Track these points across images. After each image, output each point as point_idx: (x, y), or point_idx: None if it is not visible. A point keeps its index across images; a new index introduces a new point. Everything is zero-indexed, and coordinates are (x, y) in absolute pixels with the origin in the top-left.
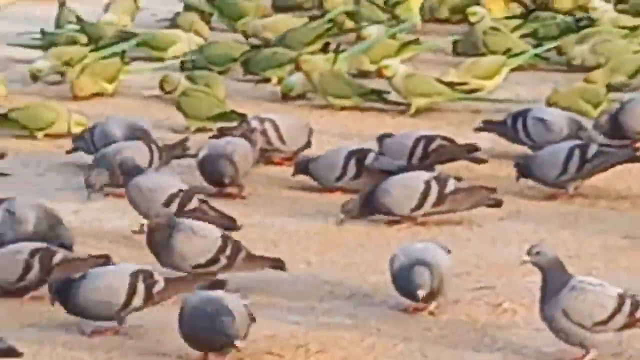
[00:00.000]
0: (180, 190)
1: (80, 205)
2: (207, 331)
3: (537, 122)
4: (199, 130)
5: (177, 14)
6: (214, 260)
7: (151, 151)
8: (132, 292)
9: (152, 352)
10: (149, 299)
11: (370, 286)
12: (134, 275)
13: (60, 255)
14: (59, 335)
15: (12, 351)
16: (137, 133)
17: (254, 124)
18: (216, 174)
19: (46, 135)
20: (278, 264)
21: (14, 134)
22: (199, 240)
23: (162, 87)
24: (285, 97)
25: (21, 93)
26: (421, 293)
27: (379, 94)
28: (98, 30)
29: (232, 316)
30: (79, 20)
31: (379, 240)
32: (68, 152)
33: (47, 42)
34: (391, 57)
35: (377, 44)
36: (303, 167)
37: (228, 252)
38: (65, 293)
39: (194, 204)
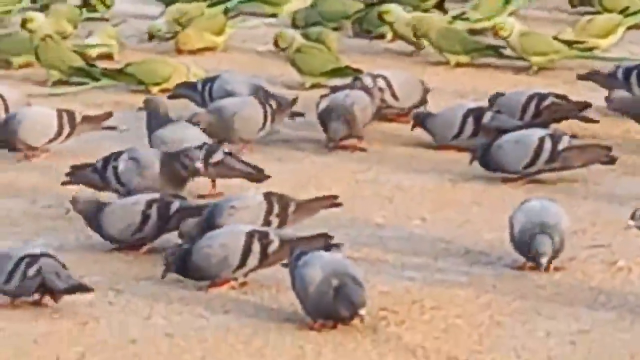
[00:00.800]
0: (205, 143)
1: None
2: (332, 302)
3: None
4: (314, 86)
5: None
6: (267, 223)
7: (265, 109)
8: (247, 252)
9: (268, 308)
10: (264, 259)
11: (485, 243)
12: (249, 235)
13: (176, 204)
14: (175, 290)
15: (83, 288)
16: (255, 90)
17: (367, 81)
18: (330, 136)
19: (161, 90)
20: (334, 202)
21: (129, 88)
22: (242, 212)
23: (276, 44)
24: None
25: (134, 49)
26: (544, 261)
27: (495, 49)
28: None
29: (361, 285)
30: None
31: (494, 197)
32: (169, 98)
33: None
34: (499, 13)
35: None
36: (420, 121)
37: (277, 210)
38: (180, 260)
39: (218, 156)
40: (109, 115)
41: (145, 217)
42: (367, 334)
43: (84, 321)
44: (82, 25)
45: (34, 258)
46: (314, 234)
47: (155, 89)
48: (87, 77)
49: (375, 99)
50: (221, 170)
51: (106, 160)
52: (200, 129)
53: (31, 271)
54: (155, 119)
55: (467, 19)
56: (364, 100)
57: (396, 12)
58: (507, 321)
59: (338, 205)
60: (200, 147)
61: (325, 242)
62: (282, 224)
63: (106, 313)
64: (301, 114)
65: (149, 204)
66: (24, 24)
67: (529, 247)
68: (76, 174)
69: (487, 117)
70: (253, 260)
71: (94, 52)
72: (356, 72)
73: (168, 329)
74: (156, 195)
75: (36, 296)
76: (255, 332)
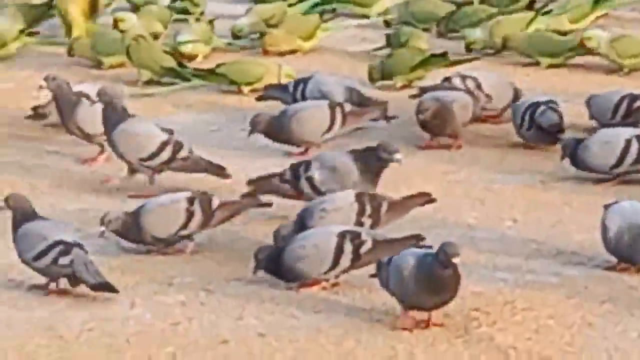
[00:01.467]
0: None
1: (284, 160)
2: (435, 294)
3: None
4: (404, 87)
5: None
6: (359, 224)
7: (332, 112)
8: (339, 252)
9: (359, 308)
10: (356, 259)
11: (576, 244)
12: (341, 236)
13: (217, 200)
14: (266, 290)
15: (110, 287)
16: (349, 91)
17: (456, 81)
18: (420, 108)
19: (252, 90)
20: (428, 199)
21: (220, 88)
22: (333, 214)
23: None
24: (469, 49)
25: (223, 50)
26: None
27: (588, 49)
28: None
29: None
30: None
31: (585, 198)
32: (258, 99)
33: None
34: (587, 15)
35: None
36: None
37: (369, 210)
38: (271, 260)
39: (185, 152)
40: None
41: (190, 214)
42: (459, 335)
43: (176, 321)
44: (172, 26)
45: (67, 246)
46: (406, 235)
47: (246, 89)
48: (178, 77)
49: (479, 102)
50: (186, 166)
51: (295, 170)
52: (259, 130)
53: (63, 260)
54: (114, 112)
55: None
56: (464, 100)
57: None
58: (599, 322)
59: (432, 201)
60: (167, 142)
61: (417, 243)
62: (374, 225)
63: (198, 313)
64: (394, 117)
65: (191, 201)
66: (115, 24)
67: (628, 249)
68: (261, 184)
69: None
70: (345, 261)
71: (185, 49)
72: (441, 58)
73: (260, 329)
74: (193, 192)
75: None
76: (346, 332)
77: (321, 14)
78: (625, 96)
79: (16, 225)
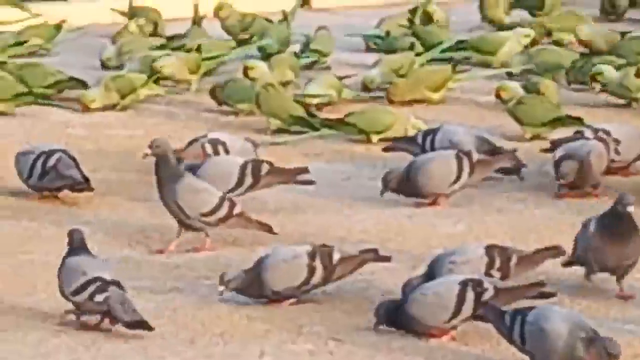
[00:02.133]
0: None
1: (415, 209)
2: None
3: None
4: (533, 138)
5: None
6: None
7: (461, 164)
8: (461, 300)
9: (488, 359)
10: (478, 307)
11: None
12: (463, 284)
13: (337, 254)
14: (396, 339)
15: (145, 325)
16: (480, 141)
17: (588, 134)
18: (561, 173)
19: (381, 140)
20: (558, 252)
21: (349, 137)
22: (462, 266)
23: (498, 95)
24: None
25: (350, 100)
26: None
27: None
28: (431, 35)
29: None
30: (411, 23)
31: None
32: (385, 150)
33: (383, 45)
34: None
35: None
36: None
37: (498, 264)
38: (391, 311)
39: (238, 209)
40: (303, 170)
41: (312, 269)
42: None
43: None
44: (301, 74)
45: (104, 284)
46: (529, 282)
47: (375, 138)
48: (308, 126)
49: (610, 151)
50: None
51: None
52: (391, 188)
53: (99, 297)
54: (169, 166)
55: None
56: (599, 149)
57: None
58: None
59: (562, 254)
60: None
61: (540, 291)
62: (504, 278)
63: None
64: (523, 166)
65: (312, 256)
66: (245, 72)
67: None
68: None
69: None
70: (467, 309)
71: (313, 100)
72: (577, 121)
73: None
74: (310, 247)
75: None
76: None
77: (454, 65)
78: None
79: (64, 258)
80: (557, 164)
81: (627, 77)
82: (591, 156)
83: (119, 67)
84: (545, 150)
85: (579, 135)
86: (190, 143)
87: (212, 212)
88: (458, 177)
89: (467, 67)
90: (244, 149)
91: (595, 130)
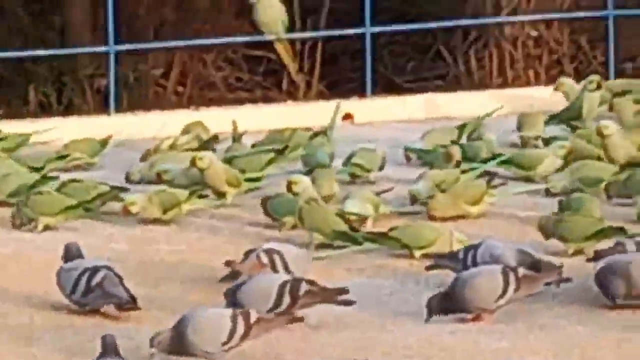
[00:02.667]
0: None
1: (458, 325)
2: None
3: None
4: (576, 252)
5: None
6: None
7: (507, 279)
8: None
9: None
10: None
11: None
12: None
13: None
14: None
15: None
16: (522, 256)
17: (630, 247)
18: (605, 287)
19: (424, 255)
20: None
21: (391, 252)
22: None
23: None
24: None
25: (389, 215)
26: None
27: None
28: (473, 149)
29: None
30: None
31: None
32: (427, 269)
33: (426, 159)
34: None
35: None
36: None
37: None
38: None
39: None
40: (343, 290)
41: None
42: None
43: None
44: (345, 187)
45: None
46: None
47: (418, 253)
48: (350, 240)
49: None
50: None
51: None
52: (435, 311)
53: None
54: None
55: None
56: None
57: None
58: None
59: None
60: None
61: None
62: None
63: None
64: (568, 280)
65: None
66: (289, 187)
67: None
68: None
69: None
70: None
71: (354, 216)
72: (621, 232)
73: None
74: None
75: None
76: None
77: (489, 180)
78: None
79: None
80: (598, 276)
81: None
82: (632, 268)
83: (149, 182)
84: (589, 260)
85: (620, 247)
86: (247, 255)
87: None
88: (504, 292)
89: (503, 181)
90: (299, 256)
91: (638, 242)
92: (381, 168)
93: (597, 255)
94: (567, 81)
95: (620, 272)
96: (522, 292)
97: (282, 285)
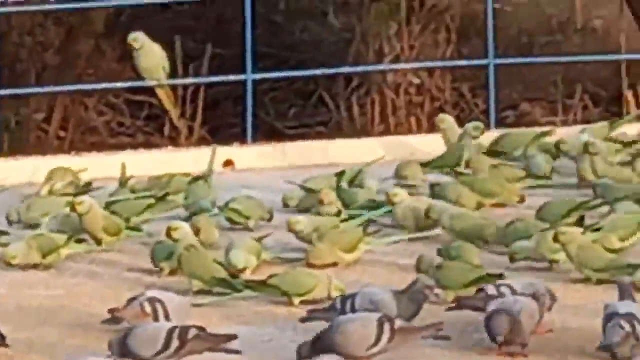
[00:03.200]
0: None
1: None
2: None
3: None
4: (455, 300)
5: None
6: None
7: (381, 329)
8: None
9: None
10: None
11: None
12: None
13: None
14: None
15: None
16: (398, 301)
17: (491, 290)
18: (494, 331)
19: (303, 302)
20: None
21: (270, 299)
22: None
23: (418, 268)
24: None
25: (270, 262)
26: None
27: (635, 268)
28: (351, 195)
29: None
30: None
31: None
32: (302, 321)
33: (304, 205)
34: (635, 233)
35: (621, 221)
36: None
37: None
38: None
39: None
40: (231, 337)
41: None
42: None
43: None
44: (225, 234)
45: None
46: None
47: (297, 300)
48: (230, 287)
49: (543, 307)
50: None
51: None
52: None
53: None
54: None
55: (598, 229)
56: (531, 308)
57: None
58: None
59: None
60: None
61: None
62: None
63: None
64: (447, 338)
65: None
66: (168, 233)
67: None
68: None
69: None
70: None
71: (235, 265)
72: (498, 278)
73: None
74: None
75: None
76: None
77: (365, 227)
78: None
79: None
80: (487, 319)
81: (543, 241)
82: (522, 315)
83: (30, 225)
84: (450, 309)
85: (482, 293)
86: (129, 302)
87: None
88: (377, 341)
89: (379, 228)
90: (180, 305)
91: (498, 286)
92: (270, 218)
93: (459, 303)
94: (448, 118)
95: (508, 316)
96: (397, 342)
97: (171, 330)
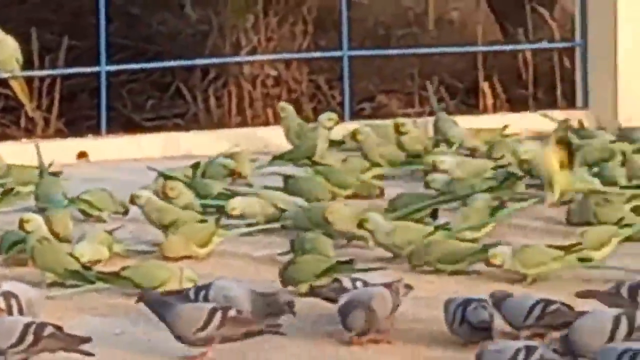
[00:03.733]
0: None
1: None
2: None
3: None
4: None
5: None
6: None
7: (212, 314)
8: None
9: None
10: None
11: None
12: None
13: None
14: None
15: None
16: (253, 296)
17: (346, 283)
18: (349, 325)
19: None
20: None
21: (123, 292)
22: None
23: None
24: None
25: (124, 255)
26: None
27: (488, 248)
28: (206, 187)
29: None
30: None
31: None
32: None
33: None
34: (486, 226)
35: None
36: None
37: None
38: None
39: None
40: (86, 339)
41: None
42: None
43: None
44: (79, 226)
45: None
46: None
47: None
48: (83, 280)
49: (398, 295)
50: None
51: None
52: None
53: None
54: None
55: (449, 229)
56: (385, 295)
57: (376, 221)
58: None
59: None
60: None
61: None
62: None
63: None
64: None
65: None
66: (21, 225)
67: None
68: None
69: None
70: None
71: (85, 257)
72: (348, 265)
73: None
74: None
75: None
76: None
77: (217, 219)
78: (539, 301)
79: None
80: (340, 310)
81: (394, 232)
82: (373, 302)
83: None
84: (304, 295)
85: (337, 283)
86: None
87: None
88: (204, 326)
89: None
90: (35, 298)
91: (354, 280)
92: (126, 212)
93: (312, 292)
94: (288, 107)
95: (362, 306)
96: (229, 331)
97: (28, 325)
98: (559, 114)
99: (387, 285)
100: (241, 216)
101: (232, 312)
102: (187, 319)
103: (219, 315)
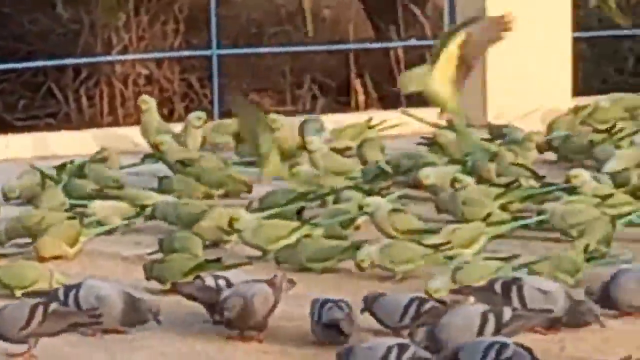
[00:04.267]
0: None
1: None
2: None
3: (534, 291)
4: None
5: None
6: None
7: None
8: None
9: None
10: None
11: None
12: None
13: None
14: None
15: None
16: (124, 296)
17: (209, 281)
18: (224, 310)
19: (25, 294)
20: None
21: None
22: None
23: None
24: None
25: None
26: None
27: (356, 248)
28: (77, 188)
29: None
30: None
31: None
32: None
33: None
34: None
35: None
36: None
37: None
38: None
39: None
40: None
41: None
42: None
43: None
44: None
45: None
46: None
47: (19, 292)
48: None
49: (279, 292)
50: None
51: None
52: None
53: None
54: None
55: (315, 225)
56: (266, 292)
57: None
58: None
59: None
60: None
61: None
62: None
63: None
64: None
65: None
66: None
67: None
68: None
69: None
70: None
71: None
72: (217, 263)
73: None
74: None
75: None
76: None
77: (81, 219)
78: (414, 299)
79: None
80: (220, 304)
81: (261, 230)
82: (255, 298)
83: None
84: (167, 292)
85: (199, 280)
86: None
87: None
88: (27, 324)
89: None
90: None
91: (217, 277)
92: None
93: (175, 287)
94: (150, 100)
95: (240, 297)
96: (53, 325)
97: None
98: (428, 112)
99: (269, 282)
100: (105, 218)
101: (53, 306)
102: (10, 318)
103: (40, 310)
